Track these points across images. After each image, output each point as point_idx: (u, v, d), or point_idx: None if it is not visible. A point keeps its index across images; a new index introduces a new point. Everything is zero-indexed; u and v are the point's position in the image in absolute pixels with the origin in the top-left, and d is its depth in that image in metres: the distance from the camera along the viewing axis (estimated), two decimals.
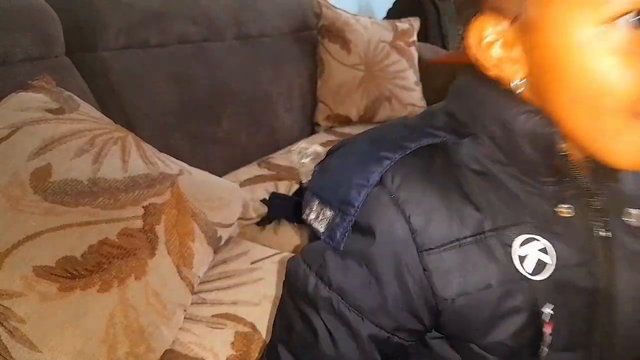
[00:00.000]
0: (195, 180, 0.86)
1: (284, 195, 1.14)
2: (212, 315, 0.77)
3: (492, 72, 0.40)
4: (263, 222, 1.04)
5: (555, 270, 0.40)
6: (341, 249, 0.41)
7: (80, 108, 0.82)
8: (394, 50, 1.80)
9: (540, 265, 0.40)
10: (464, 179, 0.41)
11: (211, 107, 1.29)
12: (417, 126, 0.44)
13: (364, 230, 0.41)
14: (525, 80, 0.39)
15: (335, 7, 1.77)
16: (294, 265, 0.45)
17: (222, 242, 0.88)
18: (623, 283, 0.42)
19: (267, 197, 1.11)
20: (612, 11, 0.32)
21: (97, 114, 0.84)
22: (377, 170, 0.40)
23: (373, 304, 0.41)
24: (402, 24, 1.88)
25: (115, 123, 0.84)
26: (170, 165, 0.85)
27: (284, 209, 1.06)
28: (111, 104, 1.06)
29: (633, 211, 0.43)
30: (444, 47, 2.66)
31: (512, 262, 0.40)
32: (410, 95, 1.81)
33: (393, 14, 2.56)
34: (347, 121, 1.76)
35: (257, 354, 0.70)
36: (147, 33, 1.16)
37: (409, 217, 0.39)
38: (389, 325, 0.41)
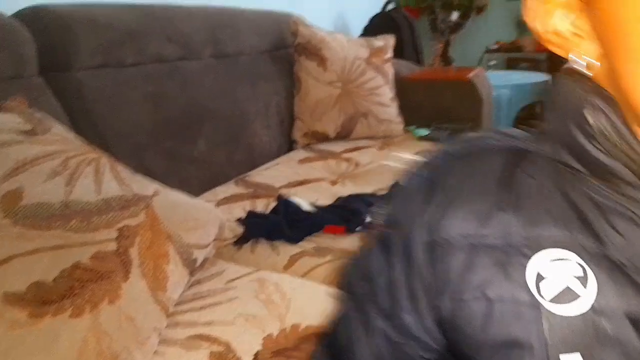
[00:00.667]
0: (171, 201, 0.86)
1: (260, 213, 1.14)
2: (187, 337, 0.76)
3: (557, 50, 0.33)
4: (240, 241, 1.04)
5: (598, 312, 0.29)
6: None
7: (54, 129, 0.81)
8: (369, 67, 1.83)
9: (567, 297, 0.30)
10: (517, 184, 0.34)
11: (187, 126, 1.29)
12: (498, 133, 0.38)
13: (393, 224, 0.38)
14: (595, 59, 0.31)
15: (312, 26, 1.80)
16: None
17: (198, 263, 0.87)
18: None
19: (243, 216, 1.11)
20: None
21: (71, 135, 0.84)
22: (428, 163, 0.38)
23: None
24: (378, 42, 1.91)
25: (90, 144, 0.84)
26: (145, 186, 0.85)
27: (260, 228, 1.06)
28: (85, 124, 1.05)
29: None
30: (419, 63, 2.71)
31: (524, 278, 0.31)
32: (387, 111, 1.83)
33: (368, 32, 2.60)
34: (324, 138, 1.77)
35: None
36: (123, 52, 1.16)
37: (427, 208, 0.35)
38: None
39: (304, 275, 0.96)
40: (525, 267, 0.31)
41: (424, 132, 1.86)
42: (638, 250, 0.30)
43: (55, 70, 1.05)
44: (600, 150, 0.30)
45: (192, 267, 0.86)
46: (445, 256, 0.34)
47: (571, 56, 0.32)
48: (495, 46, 3.53)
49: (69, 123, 0.98)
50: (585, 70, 0.31)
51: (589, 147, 0.31)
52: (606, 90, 0.31)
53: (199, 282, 0.90)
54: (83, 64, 1.08)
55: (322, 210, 1.13)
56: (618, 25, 0.27)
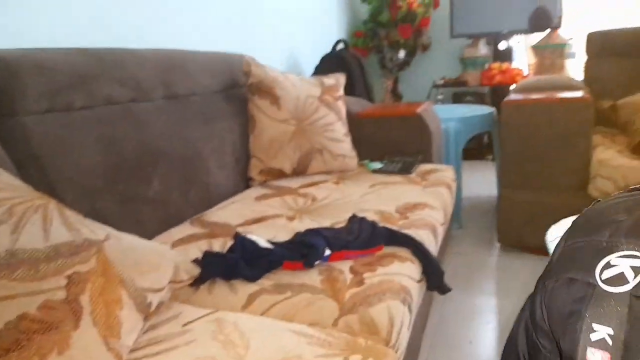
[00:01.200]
0: (123, 244, 0.84)
1: (217, 253, 1.13)
2: None
3: None
4: (196, 282, 1.02)
5: (636, 295, 0.36)
6: None
7: None
8: (322, 104, 1.87)
9: (617, 279, 0.38)
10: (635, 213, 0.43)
11: (141, 167, 1.27)
12: None
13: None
14: None
15: (264, 65, 1.84)
16: None
17: (153, 307, 0.85)
18: None
19: (200, 257, 1.10)
20: None
21: (16, 181, 0.82)
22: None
23: None
24: (329, 80, 1.97)
25: (37, 190, 0.82)
26: (96, 230, 0.83)
27: (217, 268, 1.05)
28: (32, 170, 1.02)
29: None
30: (370, 100, 2.81)
31: (594, 268, 0.40)
32: (341, 147, 1.88)
33: (320, 72, 2.68)
34: (280, 174, 1.79)
35: None
36: (71, 96, 1.15)
37: (569, 229, 0.47)
38: None
39: (264, 313, 0.95)
40: (604, 258, 0.40)
41: (377, 165, 1.91)
42: None
43: (0, 116, 1.02)
44: None
45: (146, 311, 0.84)
46: (565, 254, 0.45)
47: None
48: (441, 81, 3.69)
49: (14, 169, 0.95)
50: None
51: None
52: None
53: (154, 326, 0.87)
54: (30, 108, 1.06)
55: (280, 247, 1.13)
56: None
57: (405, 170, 1.83)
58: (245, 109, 1.81)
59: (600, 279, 0.39)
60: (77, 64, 1.19)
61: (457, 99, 3.74)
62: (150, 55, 1.44)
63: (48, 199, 0.81)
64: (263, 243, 1.13)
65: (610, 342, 0.36)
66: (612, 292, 0.37)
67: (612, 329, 0.36)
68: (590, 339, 0.37)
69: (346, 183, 1.73)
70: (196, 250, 1.17)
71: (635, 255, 0.38)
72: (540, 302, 0.46)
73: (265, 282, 1.03)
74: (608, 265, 0.39)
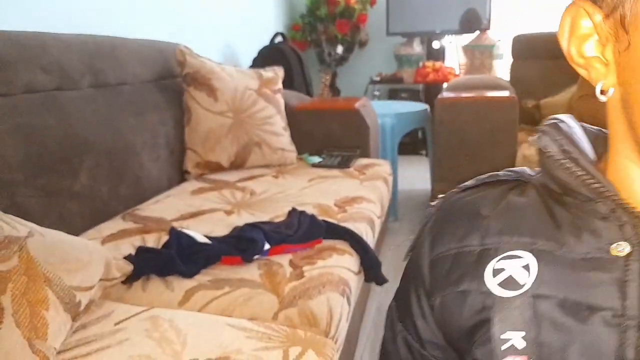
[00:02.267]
0: (48, 241, 0.79)
1: (151, 248, 1.09)
2: None
3: (581, 71, 0.35)
4: (129, 280, 0.97)
5: (536, 296, 0.36)
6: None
7: None
8: (260, 97, 1.85)
9: (511, 283, 0.37)
10: (510, 204, 0.40)
11: (66, 159, 1.20)
12: (515, 169, 0.44)
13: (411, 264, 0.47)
14: (611, 88, 0.33)
15: (200, 56, 1.79)
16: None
17: (82, 307, 0.81)
18: None
19: (133, 253, 1.05)
20: None
21: None
22: (444, 198, 0.46)
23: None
24: (267, 73, 1.95)
25: None
26: (17, 227, 0.77)
27: (152, 264, 1.01)
28: None
29: None
30: (309, 94, 2.81)
31: (483, 275, 0.38)
32: (280, 140, 1.86)
33: (257, 64, 2.65)
34: (218, 168, 1.75)
35: None
36: None
37: (435, 231, 0.44)
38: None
39: (201, 309, 0.92)
40: (489, 264, 0.39)
41: (316, 159, 1.92)
42: (590, 251, 0.35)
43: None
44: (566, 170, 0.37)
45: (75, 311, 0.79)
46: (438, 266, 0.42)
47: (601, 84, 0.34)
48: (378, 78, 3.77)
49: None
50: (601, 96, 0.34)
51: (557, 169, 0.37)
52: (583, 126, 0.40)
53: (84, 326, 0.82)
54: None
55: (217, 242, 1.11)
56: None
57: (344, 164, 1.85)
58: (180, 100, 1.75)
59: (494, 285, 0.38)
60: None
61: (393, 95, 3.83)
62: (76, 41, 1.36)
63: None
64: (200, 238, 1.10)
65: (525, 345, 0.35)
66: (511, 297, 0.36)
67: (525, 332, 0.35)
68: (504, 348, 0.36)
69: (285, 177, 1.72)
70: (129, 246, 1.12)
71: (517, 255, 0.37)
72: (423, 320, 0.44)
73: (203, 277, 1.00)
74: (496, 271, 0.38)
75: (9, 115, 1.09)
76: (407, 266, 0.48)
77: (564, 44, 0.35)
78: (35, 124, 1.14)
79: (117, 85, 1.49)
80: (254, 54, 2.84)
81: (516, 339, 0.35)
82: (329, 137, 2.05)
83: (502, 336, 0.36)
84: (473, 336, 0.38)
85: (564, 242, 0.36)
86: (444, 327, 0.42)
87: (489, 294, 0.38)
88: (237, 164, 1.78)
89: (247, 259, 1.05)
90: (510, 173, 0.43)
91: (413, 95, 3.73)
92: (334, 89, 3.78)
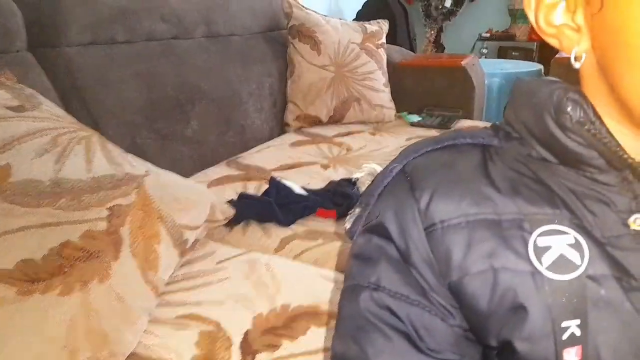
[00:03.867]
0: (162, 181, 0.85)
1: (252, 195, 1.14)
2: (176, 317, 0.77)
3: (552, 41, 0.34)
4: (231, 223, 1.03)
5: (592, 278, 0.32)
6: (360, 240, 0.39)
7: (43, 106, 0.80)
8: (363, 51, 1.81)
9: (564, 264, 0.32)
10: (498, 174, 0.36)
11: (179, 105, 1.27)
12: (467, 131, 0.41)
13: (379, 227, 0.38)
14: (584, 52, 0.33)
15: (306, 8, 1.78)
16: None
17: (189, 244, 0.87)
18: None
19: (235, 198, 1.11)
20: None
21: (60, 112, 0.82)
22: (403, 161, 0.39)
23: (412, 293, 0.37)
24: (371, 26, 1.90)
25: (80, 122, 0.83)
26: (137, 165, 0.84)
27: (252, 210, 1.06)
28: (75, 101, 1.03)
29: None
30: (412, 49, 2.71)
31: (526, 250, 0.33)
32: (379, 97, 1.83)
33: (362, 16, 2.58)
34: (316, 122, 1.77)
35: (222, 351, 0.70)
36: (114, 30, 1.14)
37: (419, 197, 0.36)
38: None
39: (295, 257, 0.96)
40: (526, 240, 0.33)
41: (415, 117, 1.86)
42: (610, 227, 0.33)
43: (44, 46, 1.03)
44: (576, 140, 0.33)
45: (182, 247, 0.86)
46: (445, 238, 0.35)
47: (572, 58, 0.34)
48: (488, 34, 3.52)
49: (58, 100, 0.96)
50: (576, 63, 0.33)
51: (564, 139, 0.34)
52: (579, 89, 0.34)
53: (189, 262, 0.89)
54: (73, 40, 1.06)
55: (313, 194, 1.13)
56: (622, 34, 0.29)
57: (444, 125, 1.78)
58: (284, 53, 1.77)
59: (543, 265, 0.32)
60: None
61: (503, 53, 3.58)
62: None
63: (91, 131, 0.82)
64: (297, 189, 1.13)
65: (579, 333, 0.32)
66: (568, 280, 0.32)
67: (580, 320, 0.32)
68: (565, 338, 0.32)
69: (382, 134, 1.70)
70: (231, 191, 1.18)
71: (561, 231, 0.33)
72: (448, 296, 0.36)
73: (298, 227, 1.04)
74: (541, 249, 0.33)
75: (131, 61, 1.17)
76: (362, 243, 0.39)
77: (531, 15, 0.34)
78: (154, 70, 1.22)
79: (228, 35, 1.53)
80: (359, 6, 2.77)
81: (573, 327, 0.32)
82: (431, 95, 1.97)
83: (564, 324, 0.32)
84: (508, 321, 0.33)
85: (584, 216, 0.33)
86: (464, 310, 0.36)
87: (537, 274, 0.32)
88: (335, 119, 1.79)
89: (341, 214, 1.06)
90: (471, 137, 0.39)
91: (526, 54, 3.45)
92: (439, 46, 3.60)
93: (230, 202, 1.08)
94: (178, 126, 1.26)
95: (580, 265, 0.32)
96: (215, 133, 1.39)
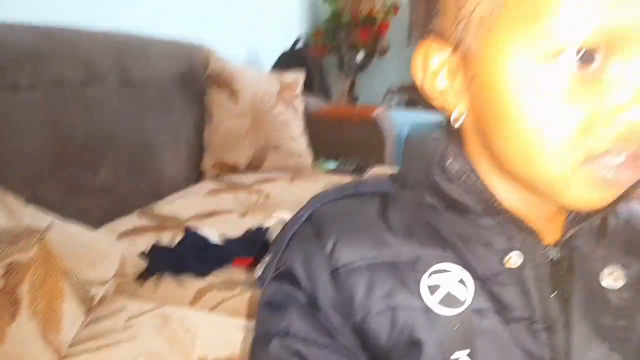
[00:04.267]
0: (67, 234, 0.81)
1: (165, 246, 1.10)
2: None
3: (437, 103, 0.38)
4: (143, 276, 0.99)
5: (476, 311, 0.35)
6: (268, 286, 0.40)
7: None
8: (280, 101, 1.87)
9: (452, 300, 0.36)
10: (394, 220, 0.39)
11: (88, 154, 1.22)
12: (365, 181, 0.44)
13: (287, 274, 0.39)
14: (463, 115, 0.37)
15: (223, 58, 1.81)
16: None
17: (96, 301, 0.82)
18: (582, 357, 0.35)
19: (147, 250, 1.07)
20: (555, 46, 0.29)
21: None
22: (310, 209, 0.41)
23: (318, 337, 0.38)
24: (288, 77, 1.97)
25: None
26: (38, 218, 0.79)
27: (165, 262, 1.03)
28: None
29: (606, 270, 0.38)
30: (327, 99, 2.82)
31: (418, 289, 0.36)
32: (296, 145, 1.88)
33: (278, 67, 2.66)
34: (234, 169, 1.77)
35: None
36: (17, 75, 1.08)
37: (325, 243, 0.38)
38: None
39: (212, 309, 0.93)
40: (419, 279, 0.37)
41: (331, 165, 1.93)
42: (489, 265, 0.37)
43: None
44: (457, 190, 0.38)
45: (89, 304, 0.81)
46: (348, 280, 0.37)
47: (452, 119, 0.37)
48: (396, 87, 3.77)
49: None
50: (456, 124, 0.37)
51: (448, 188, 0.38)
52: (459, 145, 0.38)
53: (96, 320, 0.84)
54: None
55: (231, 243, 1.12)
56: (494, 97, 0.33)
57: (358, 171, 1.86)
58: (202, 101, 1.77)
59: (434, 303, 0.36)
60: (25, 41, 1.12)
61: (411, 104, 3.83)
62: (105, 36, 1.38)
63: None
64: (214, 238, 1.12)
65: None
66: (454, 315, 0.35)
67: (469, 349, 0.35)
68: None
69: (300, 181, 1.73)
70: (143, 243, 1.13)
71: (445, 269, 0.37)
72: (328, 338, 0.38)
73: (215, 278, 1.01)
74: (431, 288, 0.36)
75: (36, 108, 1.11)
76: (272, 291, 0.40)
77: (419, 82, 0.37)
78: (61, 118, 1.16)
79: (143, 82, 1.51)
80: (275, 58, 2.86)
81: (464, 356, 0.35)
82: (346, 144, 2.06)
83: (452, 357, 0.35)
84: (405, 357, 0.36)
85: (468, 257, 0.37)
86: (367, 349, 0.38)
87: (429, 310, 0.36)
88: (253, 166, 1.80)
89: (259, 262, 1.05)
90: (370, 186, 0.42)
91: (431, 106, 3.71)
92: (352, 97, 3.79)
93: (142, 254, 1.03)
94: (86, 176, 1.21)
95: (465, 300, 0.36)
96: (127, 182, 1.34)
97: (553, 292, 0.37)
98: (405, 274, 0.37)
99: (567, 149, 0.31)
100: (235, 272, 1.04)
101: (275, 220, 1.03)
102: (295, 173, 1.84)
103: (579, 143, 0.31)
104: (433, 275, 0.36)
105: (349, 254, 0.38)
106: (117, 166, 1.31)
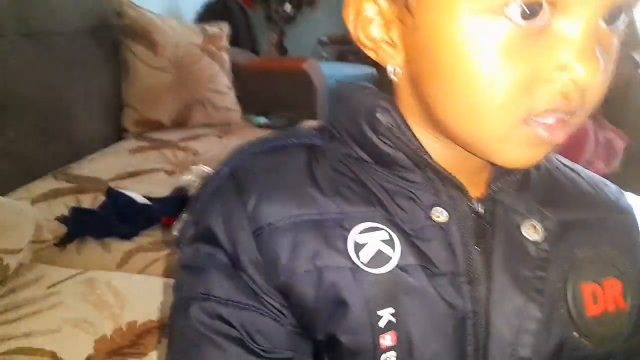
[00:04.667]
0: None
1: (86, 209, 1.04)
2: (2, 353, 0.67)
3: (370, 53, 0.36)
4: (63, 242, 0.93)
5: (403, 268, 0.35)
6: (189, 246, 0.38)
7: None
8: (205, 54, 1.78)
9: (380, 258, 0.35)
10: (321, 174, 0.37)
11: None
12: (292, 132, 0.42)
13: (206, 234, 0.37)
14: (399, 68, 0.35)
15: (139, 6, 1.68)
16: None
17: (11, 270, 0.76)
18: (501, 308, 0.36)
19: (66, 214, 1.00)
20: None
21: None
22: (231, 164, 0.39)
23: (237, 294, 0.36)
24: (212, 28, 1.87)
25: None
26: None
27: (87, 225, 0.97)
28: None
29: (527, 223, 0.38)
30: (255, 52, 2.73)
31: (345, 248, 0.35)
32: (224, 99, 1.81)
33: (202, 19, 2.53)
34: (158, 126, 1.68)
35: None
36: None
37: (247, 200, 0.36)
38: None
39: (141, 271, 0.90)
40: (346, 238, 0.35)
41: (262, 119, 1.88)
42: (416, 220, 0.36)
43: None
44: (386, 143, 0.37)
45: (3, 275, 0.75)
46: (272, 240, 0.36)
47: (388, 71, 0.36)
48: (326, 39, 3.71)
49: None
50: (392, 76, 0.36)
51: (376, 141, 0.37)
52: (389, 97, 0.38)
53: (13, 290, 0.78)
54: None
55: (158, 202, 1.07)
56: (432, 52, 0.32)
57: (290, 126, 1.83)
58: (116, 54, 1.65)
59: (361, 261, 0.35)
60: None
61: (342, 57, 3.80)
62: None
63: None
64: (140, 199, 1.06)
65: (394, 320, 0.35)
66: (383, 273, 0.35)
67: (394, 308, 0.35)
68: (382, 325, 0.35)
69: (229, 137, 1.68)
70: (61, 206, 1.06)
71: (376, 227, 0.36)
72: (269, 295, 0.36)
73: (143, 239, 0.97)
74: (359, 245, 0.35)
75: None
76: (191, 252, 0.38)
77: (350, 27, 0.36)
78: None
79: (48, 34, 1.37)
80: (199, 9, 2.71)
81: (388, 315, 0.35)
82: (276, 98, 2.01)
83: (379, 312, 0.35)
84: (331, 316, 0.35)
85: (395, 212, 0.37)
86: (294, 308, 0.37)
87: (356, 269, 0.35)
88: (179, 122, 1.72)
89: None
90: (297, 138, 0.41)
91: (362, 59, 3.70)
92: (282, 49, 3.70)
93: (61, 218, 0.97)
94: None
95: (392, 258, 0.35)
96: (37, 143, 1.24)
97: (477, 246, 0.37)
98: (332, 232, 0.36)
99: (509, 106, 0.30)
100: (164, 233, 1.00)
101: (193, 174, 0.99)
102: (225, 129, 1.78)
103: (520, 100, 0.30)
104: (360, 234, 0.35)
105: (272, 212, 0.36)
106: (24, 126, 1.20)
